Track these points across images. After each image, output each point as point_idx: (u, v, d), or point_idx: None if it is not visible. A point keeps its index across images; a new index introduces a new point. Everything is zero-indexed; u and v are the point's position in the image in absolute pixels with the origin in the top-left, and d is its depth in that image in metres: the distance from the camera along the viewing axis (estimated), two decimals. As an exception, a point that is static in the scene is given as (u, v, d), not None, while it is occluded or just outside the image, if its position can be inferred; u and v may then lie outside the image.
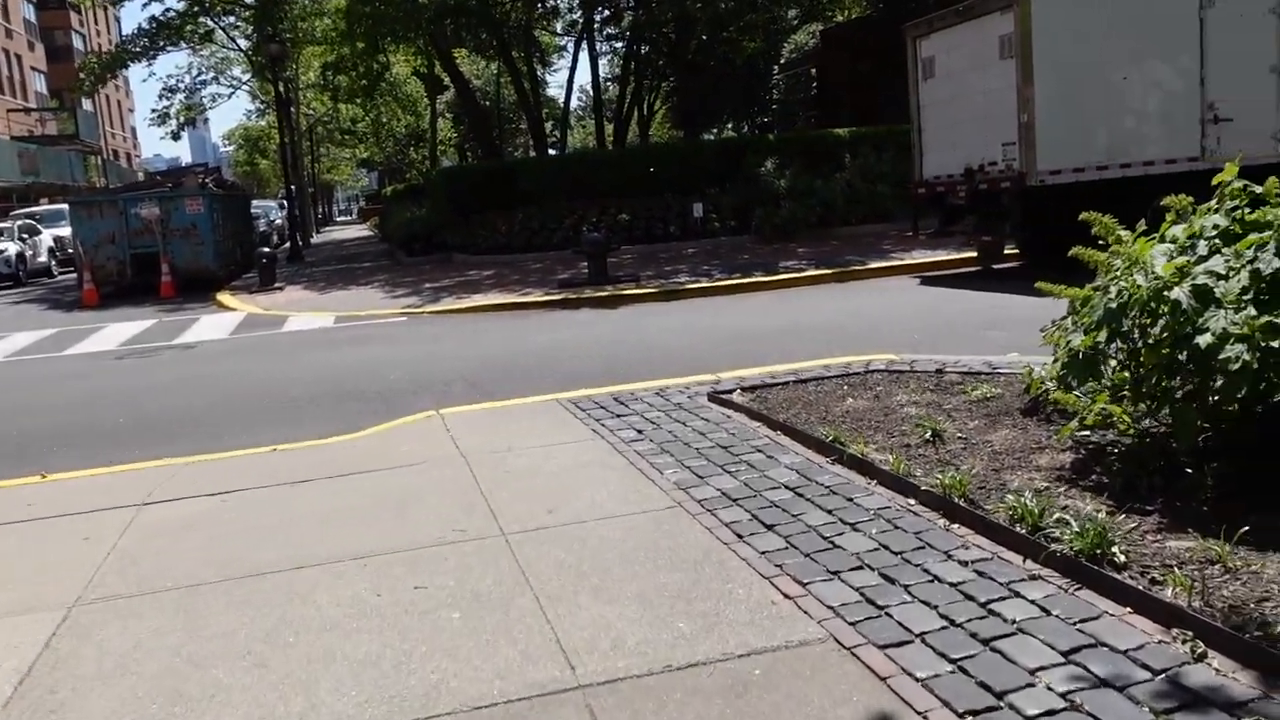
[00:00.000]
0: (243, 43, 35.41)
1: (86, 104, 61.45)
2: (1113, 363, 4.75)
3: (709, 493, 4.99)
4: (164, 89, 36.41)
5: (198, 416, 8.80)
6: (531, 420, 7.09)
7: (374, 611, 3.93)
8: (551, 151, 35.25)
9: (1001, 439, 5.30)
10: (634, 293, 14.95)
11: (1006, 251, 15.22)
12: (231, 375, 10.84)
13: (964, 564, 3.81)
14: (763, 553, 4.14)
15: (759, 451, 5.66)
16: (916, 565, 3.84)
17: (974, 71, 14.08)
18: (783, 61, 50.72)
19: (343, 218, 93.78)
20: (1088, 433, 5.08)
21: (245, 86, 42.71)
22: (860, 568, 3.88)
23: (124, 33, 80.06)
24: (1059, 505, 4.15)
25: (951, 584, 3.64)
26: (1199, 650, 2.93)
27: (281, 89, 33.95)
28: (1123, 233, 4.98)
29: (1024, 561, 3.76)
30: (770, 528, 4.41)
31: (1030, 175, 13.04)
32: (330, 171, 67.70)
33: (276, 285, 19.63)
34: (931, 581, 3.69)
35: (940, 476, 4.53)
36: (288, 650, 3.66)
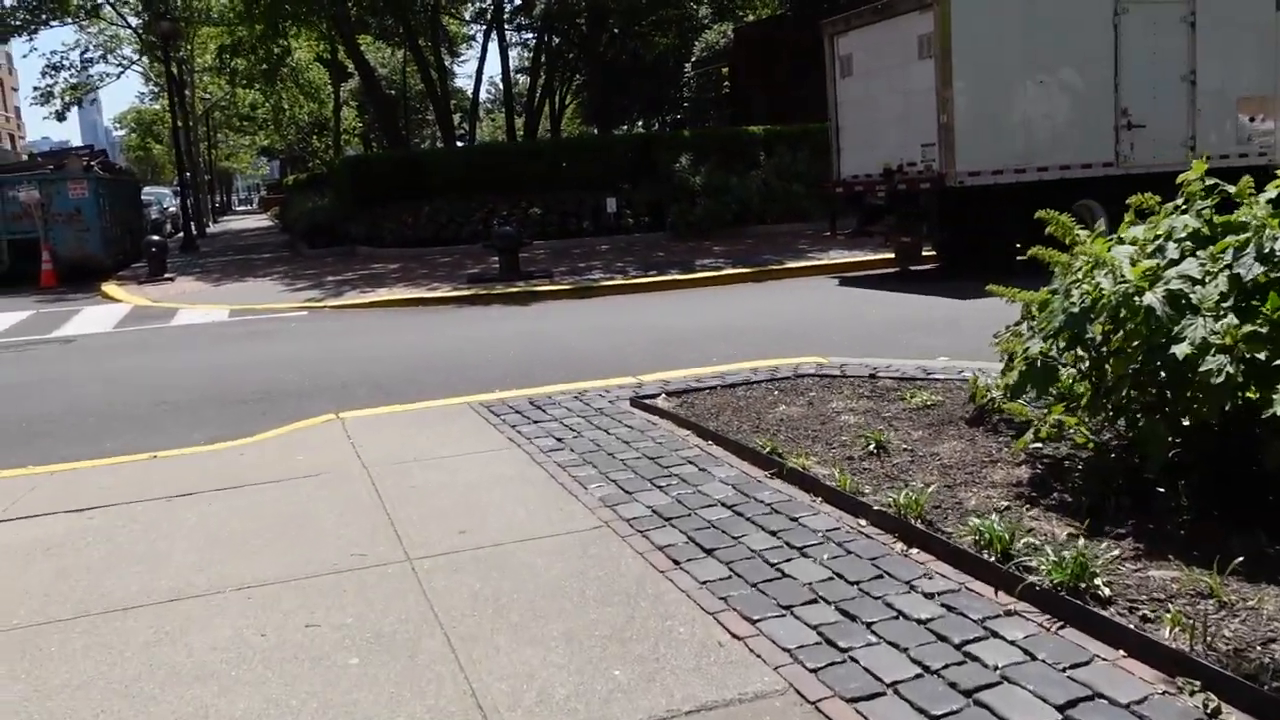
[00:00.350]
0: (133, 20, 33.73)
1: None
2: (1069, 371, 4.44)
3: (639, 511, 4.54)
4: (47, 66, 34.57)
5: (72, 419, 8.03)
6: (442, 426, 6.55)
7: (257, 656, 3.38)
8: (460, 144, 34.45)
9: (950, 451, 4.97)
10: (547, 289, 14.43)
11: (924, 253, 15.14)
12: (113, 373, 10.02)
13: (930, 596, 3.43)
14: (704, 582, 3.70)
15: (690, 464, 5.23)
16: (877, 598, 3.45)
17: (892, 71, 13.91)
18: (694, 60, 50.65)
19: (242, 207, 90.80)
20: (1040, 445, 4.78)
21: (136, 67, 40.80)
22: (815, 601, 3.47)
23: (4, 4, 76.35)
24: (1024, 528, 3.81)
25: (919, 621, 3.25)
26: (1212, 704, 2.59)
27: (174, 70, 32.45)
28: (1081, 233, 4.67)
29: (996, 594, 3.39)
30: (710, 552, 3.98)
31: (949, 176, 12.91)
32: (229, 159, 65.37)
33: (167, 275, 18.57)
34: (897, 618, 3.29)
35: (894, 495, 4.16)
36: (150, 708, 3.09)
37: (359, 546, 4.37)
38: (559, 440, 5.91)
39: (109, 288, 17.88)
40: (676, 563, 3.91)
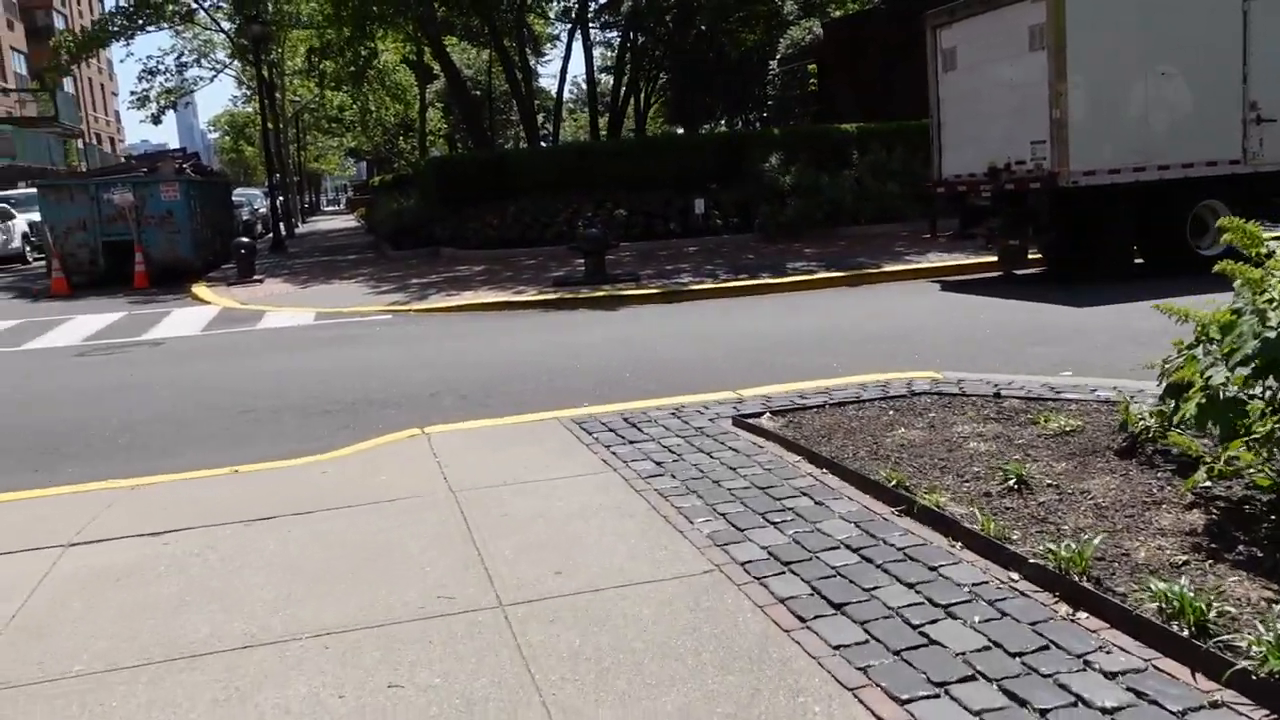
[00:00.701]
0: (225, 24, 34.27)
1: (68, 86, 60.17)
2: (1256, 404, 3.85)
3: (753, 553, 4.08)
4: (144, 70, 35.32)
5: (155, 425, 7.85)
6: (531, 445, 6.16)
7: (335, 723, 3.01)
8: (543, 144, 34.33)
9: (1102, 488, 4.41)
10: (634, 293, 14.03)
11: (1029, 256, 14.38)
12: (198, 378, 9.89)
13: (1111, 677, 2.91)
14: (836, 647, 3.23)
15: (805, 496, 4.75)
16: (1047, 676, 2.94)
17: (1000, 64, 13.19)
18: (780, 57, 49.88)
19: (330, 207, 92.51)
20: (1209, 484, 4.20)
21: (229, 71, 41.55)
22: (972, 677, 2.97)
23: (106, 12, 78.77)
24: (1212, 588, 3.26)
25: (1105, 711, 2.74)
26: None
27: (265, 73, 32.87)
28: (1272, 243, 4.07)
29: (1194, 677, 2.86)
30: (839, 608, 3.50)
31: (1063, 176, 12.16)
32: (317, 160, 66.47)
33: (255, 277, 18.63)
34: (1075, 704, 2.78)
35: (1050, 545, 3.63)
36: (217, 786, 2.74)
37: (447, 586, 3.98)
38: (658, 464, 5.48)
39: (199, 289, 17.99)
40: (802, 620, 3.44)
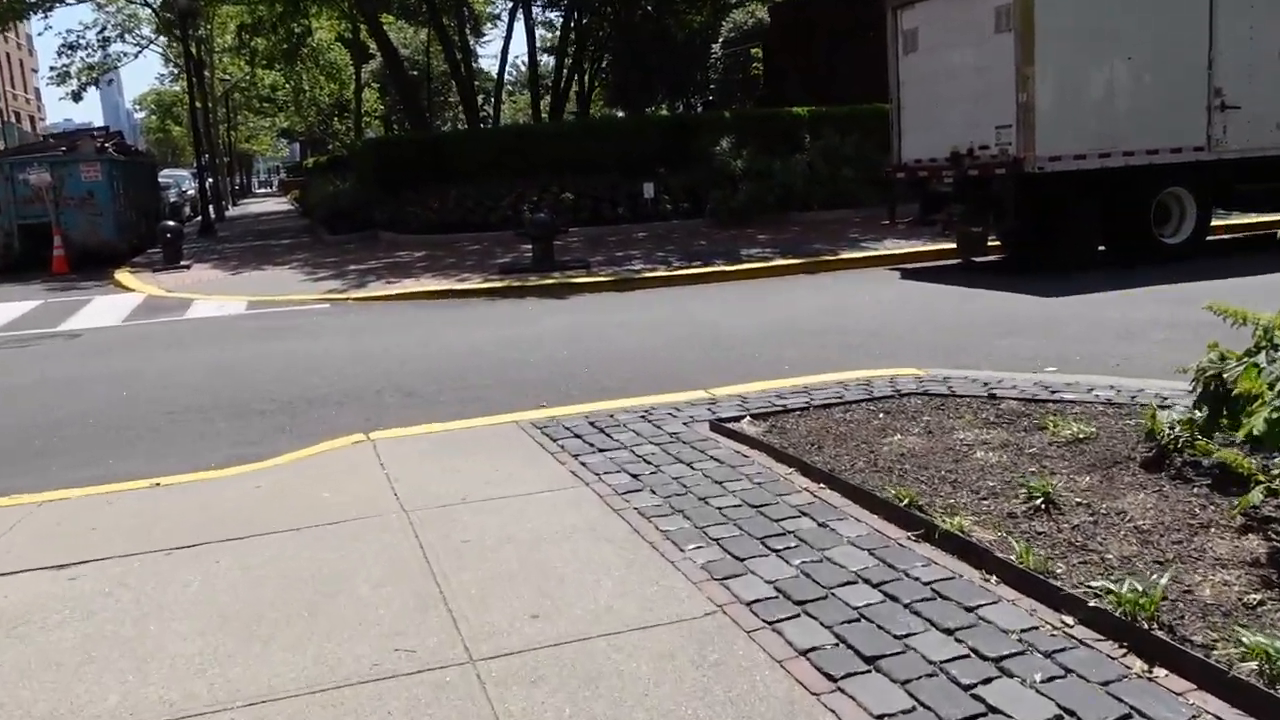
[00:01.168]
0: (152, -2, 32.83)
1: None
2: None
3: (758, 589, 3.56)
4: (63, 45, 33.66)
5: (73, 430, 7.12)
6: (490, 453, 5.59)
7: (274, 830, 2.43)
8: (483, 126, 33.46)
9: (1138, 508, 3.96)
10: (586, 281, 13.46)
11: (989, 243, 14.08)
12: (121, 374, 9.11)
13: (1214, 757, 2.44)
14: (879, 718, 2.72)
15: (806, 516, 4.25)
16: (1140, 758, 2.46)
17: (964, 46, 12.82)
18: (723, 40, 49.40)
19: (263, 189, 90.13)
20: (1258, 504, 3.77)
21: (155, 47, 39.91)
22: (1051, 760, 2.48)
23: (66, 27, 75.49)
24: (1303, 639, 2.81)
25: (1223, 807, 2.26)
26: None
27: (193, 50, 31.53)
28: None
29: (1316, 758, 2.40)
30: (873, 663, 3.00)
31: (1028, 161, 11.83)
32: (249, 141, 64.58)
33: (183, 263, 17.69)
34: (1184, 798, 2.31)
35: (1110, 586, 3.16)
36: None
37: (405, 635, 3.41)
38: (634, 477, 4.94)
39: (122, 276, 17.02)
40: (832, 680, 2.92)
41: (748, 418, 5.82)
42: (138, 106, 73.60)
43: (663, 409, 6.34)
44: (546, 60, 43.47)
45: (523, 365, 8.51)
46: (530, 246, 14.91)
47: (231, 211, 40.94)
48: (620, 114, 36.62)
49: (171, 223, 17.96)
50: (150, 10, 30.59)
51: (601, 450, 5.45)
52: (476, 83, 38.86)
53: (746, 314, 10.66)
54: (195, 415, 7.40)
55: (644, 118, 20.41)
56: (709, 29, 53.72)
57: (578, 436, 5.78)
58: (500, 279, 13.90)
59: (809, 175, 18.94)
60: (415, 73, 43.73)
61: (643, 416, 6.16)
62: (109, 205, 19.56)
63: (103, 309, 13.78)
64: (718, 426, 5.73)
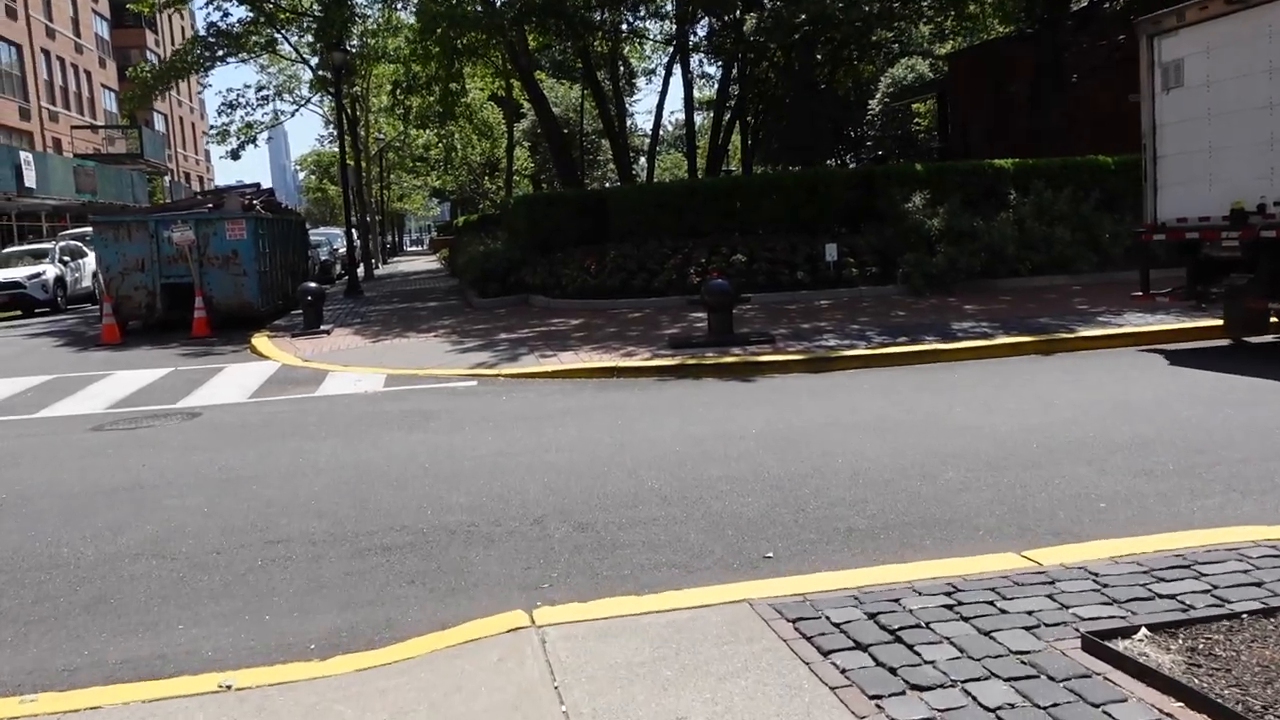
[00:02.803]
0: (311, 58, 32.69)
1: (159, 124, 59.98)
2: None
3: None
4: (223, 104, 33.90)
5: (141, 562, 5.41)
6: (725, 674, 3.51)
7: None
8: (639, 182, 32.00)
9: None
10: (772, 359, 11.37)
11: (1272, 321, 11.44)
12: (227, 474, 7.46)
13: None
14: None
15: None
16: None
17: (1253, 76, 10.34)
18: (889, 92, 47.13)
19: (414, 248, 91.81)
20: None
21: (313, 106, 40.15)
22: None
23: (207, 74, 79.14)
24: None
25: None
26: None
27: (346, 105, 31.17)
28: None
29: None
30: None
31: (1356, 219, 9.25)
32: (401, 200, 65.33)
33: (323, 328, 16.41)
34: None
35: None
36: None
37: None
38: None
39: (259, 340, 15.80)
40: None
41: (1143, 631, 3.58)
42: (299, 167, 75.64)
43: (973, 587, 4.16)
44: (700, 120, 42.03)
45: (724, 483, 6.46)
46: (703, 316, 12.96)
47: (381, 270, 40.60)
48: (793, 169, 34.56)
49: (313, 284, 16.75)
50: (308, 68, 30.42)
51: (914, 688, 3.31)
52: (628, 140, 37.66)
53: (991, 411, 8.36)
54: (302, 548, 5.59)
55: (824, 171, 18.34)
56: (867, 84, 51.58)
57: (859, 646, 3.65)
58: (671, 354, 11.95)
59: (1018, 237, 16.46)
60: (567, 130, 42.90)
61: (948, 605, 4.00)
62: (253, 265, 18.59)
63: (232, 381, 12.40)
64: (1097, 647, 3.51)
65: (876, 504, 5.87)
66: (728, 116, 30.44)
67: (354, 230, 27.09)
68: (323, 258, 33.58)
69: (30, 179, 32.12)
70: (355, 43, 33.80)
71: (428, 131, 44.45)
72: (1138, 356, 11.03)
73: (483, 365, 12.20)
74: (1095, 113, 23.60)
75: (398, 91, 32.31)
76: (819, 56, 24.74)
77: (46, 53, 44.45)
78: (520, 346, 13.49)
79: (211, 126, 34.33)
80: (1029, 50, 24.48)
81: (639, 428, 8.48)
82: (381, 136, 46.92)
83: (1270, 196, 10.16)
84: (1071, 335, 11.97)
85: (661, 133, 63.11)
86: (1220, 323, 11.86)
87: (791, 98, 28.77)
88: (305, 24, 27.29)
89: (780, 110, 30.35)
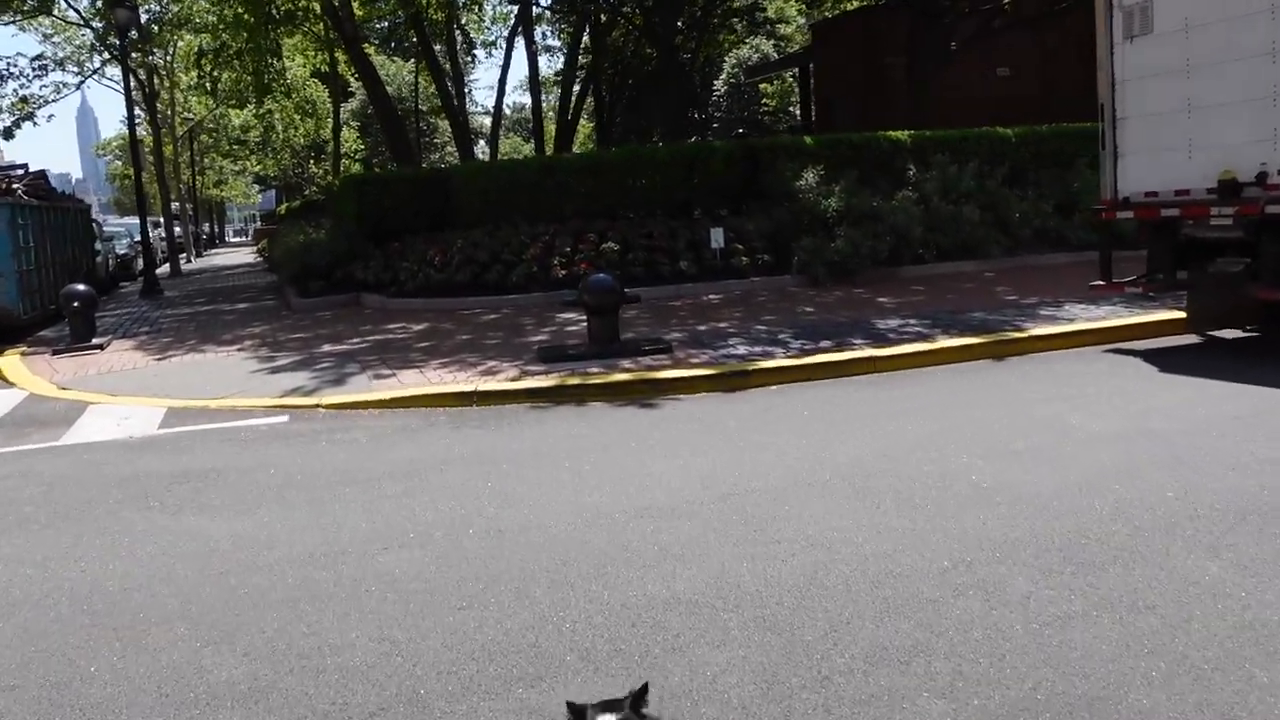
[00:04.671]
0: (98, 21, 28.30)
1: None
2: None
3: None
4: (-12, 74, 29.09)
5: None
6: None
7: None
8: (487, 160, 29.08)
9: None
10: (675, 375, 8.98)
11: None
12: None
13: None
14: None
15: None
16: None
17: (1246, 20, 8.52)
18: (743, 68, 45.50)
19: (237, 239, 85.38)
20: None
21: (110, 80, 35.29)
22: None
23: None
24: None
25: None
26: None
27: (135, 72, 27.11)
28: None
29: None
30: None
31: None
32: (217, 186, 60.00)
33: (96, 342, 13.08)
34: None
35: None
36: None
37: None
38: None
39: (7, 361, 12.42)
40: None
41: None
42: (102, 152, 68.86)
43: None
44: (546, 103, 39.26)
45: (675, 614, 4.00)
46: (574, 317, 10.48)
47: (193, 264, 36.35)
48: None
49: (81, 288, 13.34)
50: (89, 30, 26.08)
51: None
52: (468, 121, 34.59)
53: (1002, 454, 6.15)
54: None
55: (702, 145, 16.04)
56: (714, 63, 49.85)
57: None
58: (544, 371, 9.39)
59: (924, 218, 14.56)
60: (401, 111, 39.42)
61: None
62: (8, 264, 15.00)
63: (-52, 424, 9.18)
64: None
65: (944, 657, 3.53)
66: (577, 89, 27.93)
67: (151, 219, 23.29)
68: (121, 251, 29.37)
69: None
70: (154, 6, 29.68)
71: (245, 111, 40.25)
72: (1109, 360, 9.13)
73: (298, 391, 9.35)
74: (966, 90, 22.15)
75: (203, 62, 28.40)
76: (680, 24, 22.49)
77: None
78: (349, 362, 10.66)
79: (-25, 102, 29.51)
80: (900, 19, 22.85)
81: (518, 495, 5.90)
82: (191, 116, 42.29)
83: (1273, 164, 8.35)
84: (1022, 334, 10.00)
85: (501, 117, 60.08)
86: (1181, 315, 10.18)
87: (652, 68, 26.47)
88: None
89: (635, 85, 28.01)
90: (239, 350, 12.13)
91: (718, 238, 14.24)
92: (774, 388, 8.81)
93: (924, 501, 5.34)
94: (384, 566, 4.82)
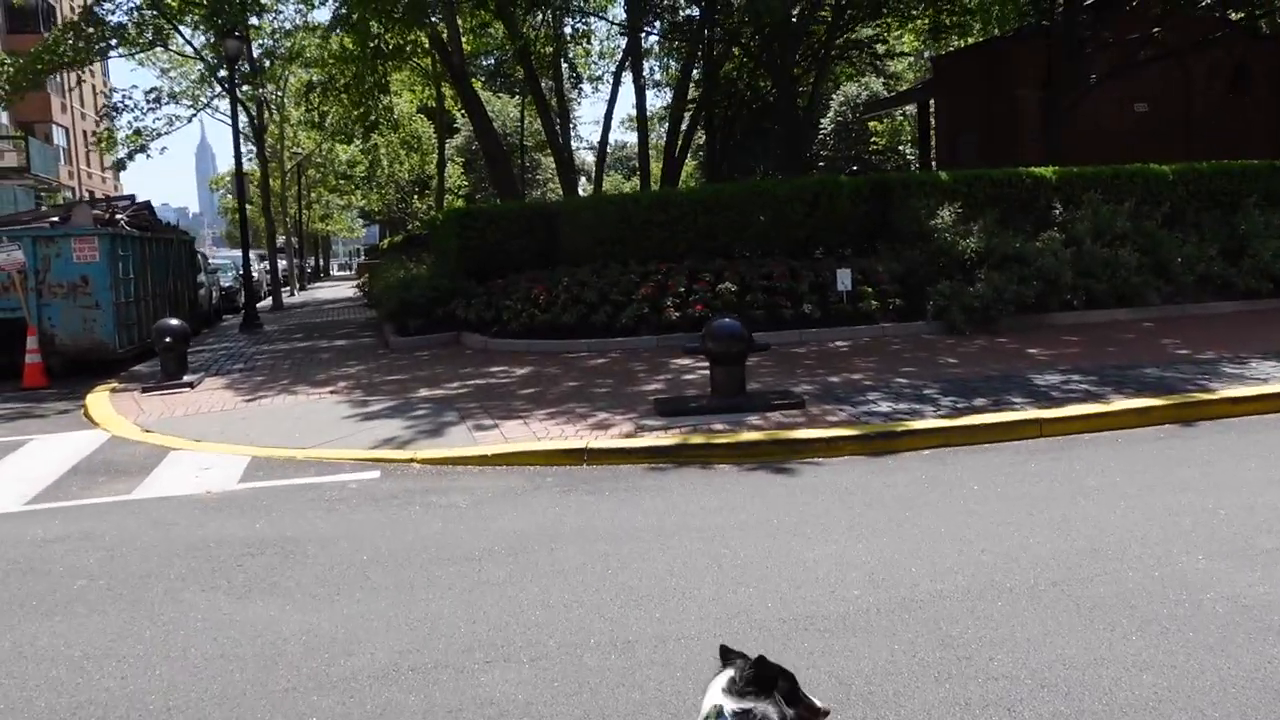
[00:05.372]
0: (210, 55, 28.53)
1: (59, 137, 54.88)
2: None
3: None
4: (105, 106, 29.46)
5: None
6: None
7: None
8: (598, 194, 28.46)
9: None
10: (811, 436, 7.87)
11: None
12: None
13: None
14: None
15: None
16: None
17: None
18: (840, 110, 44.39)
19: (342, 272, 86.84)
20: None
21: (223, 115, 35.82)
22: None
23: (127, 85, 73.27)
24: None
25: None
26: None
27: (253, 110, 27.19)
28: None
29: None
30: None
31: None
32: (323, 220, 60.83)
33: (185, 379, 12.50)
34: None
35: None
36: None
37: None
38: None
39: (96, 398, 11.90)
40: None
41: None
42: (216, 186, 70.66)
43: None
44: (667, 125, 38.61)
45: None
46: (689, 363, 9.47)
47: (296, 298, 36.46)
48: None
49: (173, 322, 12.82)
50: (202, 61, 26.16)
51: None
52: (572, 156, 34.11)
53: (1236, 554, 4.91)
54: None
55: (828, 179, 14.87)
56: (821, 101, 48.70)
57: None
58: (663, 426, 8.37)
59: (1076, 261, 13.20)
60: (505, 146, 39.20)
61: None
62: (107, 295, 14.62)
63: (19, 467, 8.54)
64: None
65: None
66: (685, 125, 27.11)
67: (258, 253, 23.11)
68: (226, 284, 29.45)
69: None
70: (265, 41, 29.87)
71: (352, 146, 40.53)
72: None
73: (391, 443, 8.49)
74: (1098, 123, 20.66)
75: (312, 96, 28.40)
76: (796, 56, 21.48)
77: (-82, 55, 39.60)
78: (447, 409, 9.79)
79: (93, 133, 29.86)
80: (1033, 50, 21.50)
81: (645, 589, 4.86)
82: (300, 150, 42.79)
83: None
84: (1212, 396, 8.64)
85: (606, 153, 59.83)
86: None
87: (765, 103, 25.52)
88: (197, 15, 23.25)
89: (747, 119, 27.06)
90: (332, 392, 11.38)
91: (845, 279, 13.09)
92: (926, 452, 7.64)
93: (1171, 623, 4.14)
94: (486, 690, 3.82)
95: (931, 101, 26.13)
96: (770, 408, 8.73)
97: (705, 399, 8.97)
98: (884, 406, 8.77)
